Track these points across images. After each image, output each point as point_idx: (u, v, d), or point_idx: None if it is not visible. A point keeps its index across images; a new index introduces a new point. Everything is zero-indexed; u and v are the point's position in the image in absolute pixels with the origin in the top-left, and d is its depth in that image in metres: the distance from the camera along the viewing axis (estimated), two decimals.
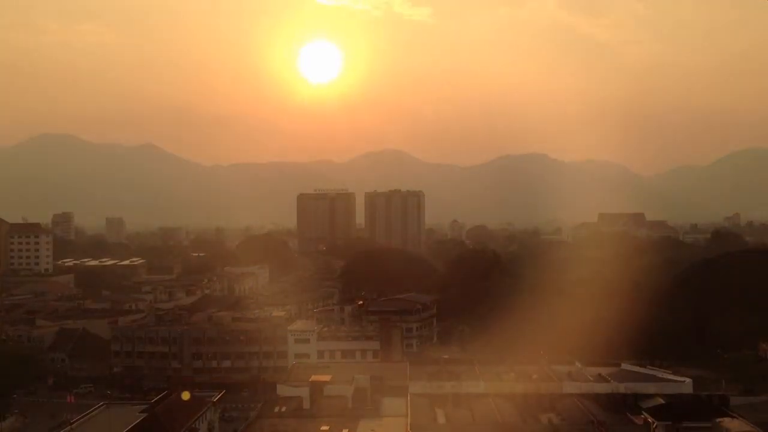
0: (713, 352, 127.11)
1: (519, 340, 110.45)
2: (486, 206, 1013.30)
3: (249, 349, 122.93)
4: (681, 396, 76.14)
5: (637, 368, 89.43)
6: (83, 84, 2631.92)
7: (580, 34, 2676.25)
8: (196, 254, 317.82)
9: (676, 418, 66.82)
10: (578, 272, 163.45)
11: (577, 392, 79.47)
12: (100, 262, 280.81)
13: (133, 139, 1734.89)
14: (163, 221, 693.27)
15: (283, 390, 75.90)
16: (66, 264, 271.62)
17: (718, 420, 68.35)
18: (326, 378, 78.26)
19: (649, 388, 79.28)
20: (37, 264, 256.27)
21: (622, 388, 79.33)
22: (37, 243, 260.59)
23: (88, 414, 74.25)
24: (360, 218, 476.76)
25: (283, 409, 70.76)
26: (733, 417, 69.60)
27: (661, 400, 73.40)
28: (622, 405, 75.56)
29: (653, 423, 67.33)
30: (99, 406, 77.91)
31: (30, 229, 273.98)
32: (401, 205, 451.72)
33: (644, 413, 70.42)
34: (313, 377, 78.29)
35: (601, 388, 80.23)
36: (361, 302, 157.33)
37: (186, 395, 75.92)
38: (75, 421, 70.90)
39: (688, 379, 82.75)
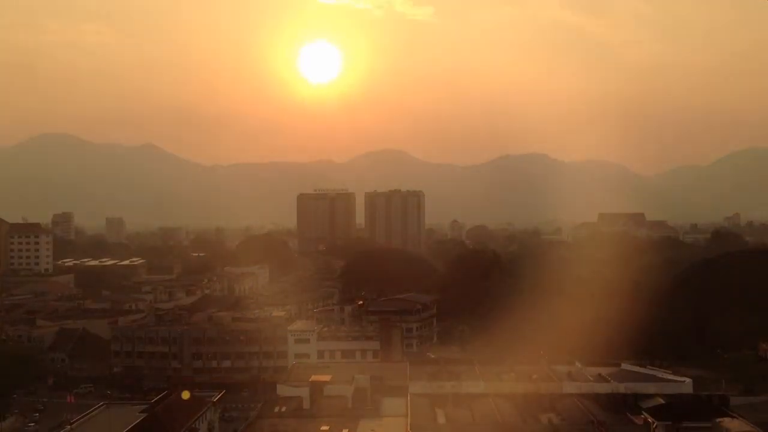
0: (713, 352, 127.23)
1: (519, 340, 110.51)
2: (486, 206, 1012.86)
3: (249, 349, 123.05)
4: (681, 396, 76.13)
5: (637, 368, 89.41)
6: (83, 84, 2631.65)
7: (581, 34, 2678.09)
8: (196, 254, 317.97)
9: (676, 418, 66.82)
10: (578, 272, 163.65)
11: (577, 392, 79.46)
12: (100, 262, 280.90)
13: (133, 139, 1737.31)
14: (163, 221, 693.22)
15: (283, 390, 75.91)
16: (66, 264, 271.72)
17: (718, 420, 68.36)
18: (326, 378, 78.26)
19: (649, 388, 79.27)
20: (37, 264, 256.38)
21: (622, 388, 79.33)
22: (37, 243, 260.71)
23: (88, 414, 74.29)
24: (360, 218, 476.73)
25: (283, 409, 70.75)
26: (733, 417, 69.60)
27: (661, 400, 73.41)
28: (622, 405, 75.55)
29: (653, 423, 67.34)
30: (99, 406, 77.98)
31: (30, 229, 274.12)
32: (401, 205, 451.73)
33: (644, 413, 70.43)
34: (313, 377, 78.30)
35: (601, 388, 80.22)
36: (361, 302, 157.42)
37: (186, 395, 75.99)
38: (75, 421, 70.92)
39: (688, 379, 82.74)
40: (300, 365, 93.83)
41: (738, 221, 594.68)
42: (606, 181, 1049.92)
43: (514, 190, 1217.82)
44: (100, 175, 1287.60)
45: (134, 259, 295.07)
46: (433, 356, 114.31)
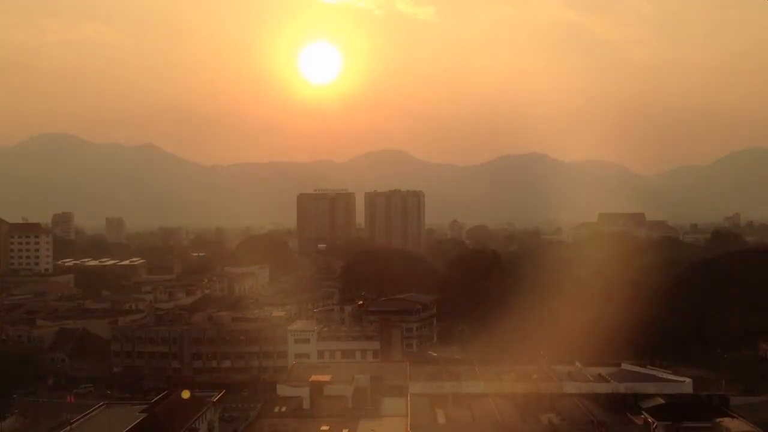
0: (713, 352, 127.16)
1: (519, 340, 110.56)
2: (486, 206, 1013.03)
3: (249, 349, 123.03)
4: (681, 396, 76.14)
5: (637, 368, 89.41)
6: (83, 84, 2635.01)
7: (581, 34, 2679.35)
8: (196, 254, 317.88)
9: (676, 418, 66.82)
10: (578, 272, 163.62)
11: (577, 392, 79.47)
12: (100, 262, 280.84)
13: (133, 139, 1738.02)
14: (163, 221, 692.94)
15: (283, 390, 75.91)
16: (66, 264, 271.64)
17: (718, 420, 68.36)
18: (326, 378, 78.26)
19: (649, 388, 79.29)
20: (37, 264, 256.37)
21: (622, 388, 79.36)
22: (37, 243, 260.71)
23: (88, 414, 74.26)
24: (360, 218, 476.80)
25: (283, 409, 70.75)
26: (733, 417, 69.60)
27: (661, 400, 73.42)
28: (622, 405, 75.58)
29: (653, 423, 67.34)
30: (99, 406, 77.94)
31: (30, 229, 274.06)
32: (401, 205, 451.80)
33: (644, 413, 70.43)
34: (313, 377, 78.29)
35: (601, 388, 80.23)
36: (361, 302, 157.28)
37: (186, 394, 75.97)
38: (75, 421, 70.88)
39: (688, 379, 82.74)
40: (300, 365, 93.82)
41: (738, 221, 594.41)
42: (606, 181, 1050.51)
43: (514, 190, 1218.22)
44: (100, 175, 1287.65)
45: (134, 259, 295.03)
46: (435, 355, 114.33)
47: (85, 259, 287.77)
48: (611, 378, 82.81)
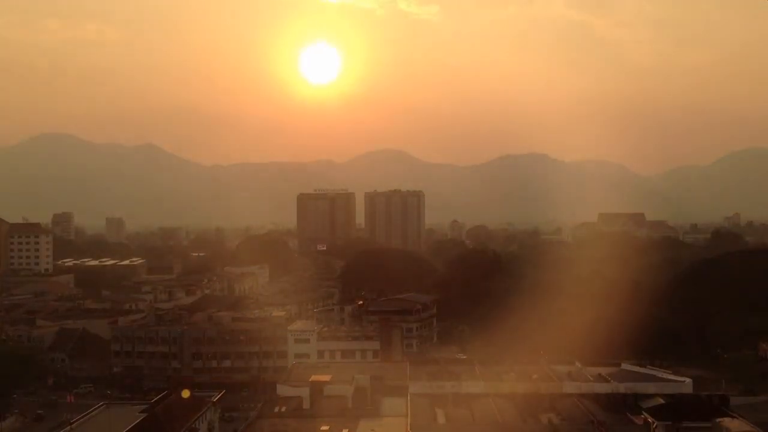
0: (713, 352, 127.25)
1: (519, 340, 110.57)
2: (486, 206, 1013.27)
3: (249, 349, 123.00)
4: (681, 396, 76.18)
5: (637, 368, 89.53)
6: (83, 84, 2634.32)
7: (582, 33, 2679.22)
8: (196, 254, 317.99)
9: (676, 418, 66.87)
10: (578, 272, 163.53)
11: (577, 392, 79.53)
12: (100, 262, 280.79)
13: (133, 139, 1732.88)
14: (163, 221, 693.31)
15: (283, 390, 75.92)
16: (66, 264, 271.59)
17: (718, 420, 68.42)
18: (326, 378, 78.25)
19: (649, 388, 79.34)
20: (37, 264, 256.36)
21: (622, 388, 79.42)
22: (37, 243, 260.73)
23: (88, 414, 74.25)
24: (360, 218, 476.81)
25: (283, 409, 70.76)
26: (733, 417, 69.64)
27: (661, 400, 73.46)
28: (622, 405, 75.65)
29: (653, 423, 67.38)
30: (99, 406, 77.90)
31: (30, 229, 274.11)
32: (401, 205, 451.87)
33: (644, 413, 70.48)
34: (313, 377, 78.29)
35: (601, 388, 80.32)
36: (361, 302, 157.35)
37: (186, 393, 75.95)
38: (75, 421, 70.86)
39: (688, 379, 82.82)
40: (300, 365, 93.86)
41: (738, 221, 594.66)
42: (606, 181, 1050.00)
43: (514, 190, 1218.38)
44: (100, 175, 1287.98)
45: (134, 259, 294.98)
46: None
47: (85, 259, 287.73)
48: (611, 378, 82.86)
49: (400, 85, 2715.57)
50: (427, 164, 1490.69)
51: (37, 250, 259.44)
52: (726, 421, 68.19)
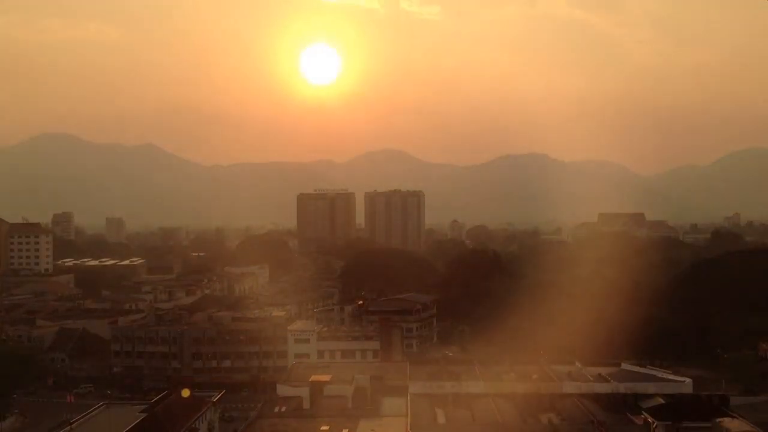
0: (713, 352, 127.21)
1: (519, 340, 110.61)
2: (486, 206, 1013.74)
3: (249, 349, 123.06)
4: (681, 396, 76.19)
5: (637, 368, 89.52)
6: (83, 84, 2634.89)
7: (584, 32, 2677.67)
8: (196, 254, 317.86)
9: (676, 418, 66.87)
10: (578, 272, 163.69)
11: (577, 392, 79.53)
12: (100, 262, 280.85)
13: (133, 139, 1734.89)
14: (163, 221, 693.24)
15: (283, 390, 75.91)
16: (66, 264, 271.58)
17: (718, 420, 68.42)
18: (326, 378, 78.24)
19: (649, 388, 79.34)
20: (37, 264, 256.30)
21: (622, 388, 79.42)
22: (37, 243, 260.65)
23: (88, 414, 74.24)
24: (360, 218, 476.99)
25: (283, 409, 70.75)
26: (733, 417, 69.64)
27: (661, 400, 73.47)
28: (622, 405, 75.64)
29: (653, 423, 67.38)
30: (99, 406, 77.91)
31: (30, 229, 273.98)
32: (401, 205, 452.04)
33: (644, 413, 70.48)
34: (313, 377, 78.29)
35: (601, 388, 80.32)
36: (361, 302, 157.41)
37: (186, 392, 75.97)
38: (75, 421, 70.86)
39: (688, 379, 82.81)
40: (300, 365, 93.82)
41: (738, 221, 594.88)
42: (606, 181, 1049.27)
43: (514, 190, 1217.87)
44: (100, 175, 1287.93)
45: (134, 259, 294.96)
46: (450, 354, 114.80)
47: (85, 259, 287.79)
48: (611, 378, 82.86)
49: (400, 85, 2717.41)
50: (427, 164, 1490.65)
51: (37, 250, 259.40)
52: (726, 421, 68.19)
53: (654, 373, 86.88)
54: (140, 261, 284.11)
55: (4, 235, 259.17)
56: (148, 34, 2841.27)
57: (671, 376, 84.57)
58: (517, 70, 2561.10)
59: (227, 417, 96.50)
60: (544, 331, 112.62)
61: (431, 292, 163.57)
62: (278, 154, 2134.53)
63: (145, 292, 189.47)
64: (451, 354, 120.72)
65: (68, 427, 68.69)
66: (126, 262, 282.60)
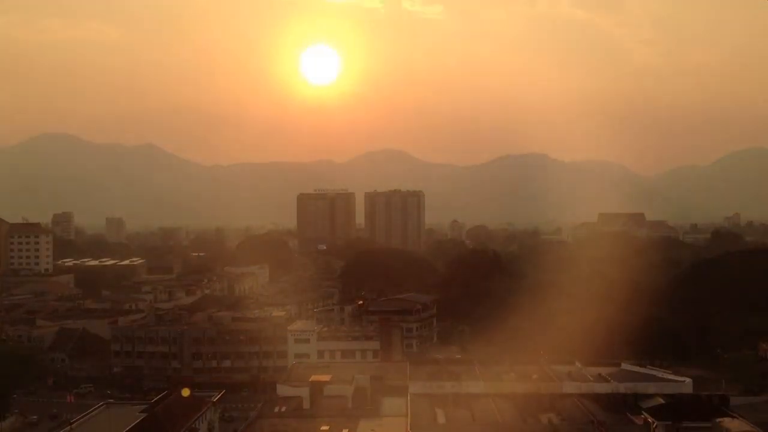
0: (713, 352, 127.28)
1: (519, 340, 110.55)
2: (486, 206, 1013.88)
3: (249, 349, 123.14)
4: (681, 396, 76.16)
5: (637, 368, 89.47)
6: (84, 84, 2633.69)
7: (583, 33, 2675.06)
8: (196, 254, 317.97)
9: (676, 418, 66.84)
10: (578, 272, 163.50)
11: (577, 392, 79.50)
12: (100, 262, 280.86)
13: (133, 139, 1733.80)
14: (163, 221, 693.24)
15: (283, 390, 75.94)
16: (66, 264, 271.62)
17: (718, 420, 68.40)
18: (326, 378, 78.29)
19: (649, 388, 79.31)
20: (37, 264, 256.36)
21: (622, 388, 79.40)
22: (37, 243, 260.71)
23: (88, 414, 74.25)
24: (360, 218, 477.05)
25: (283, 409, 70.78)
26: (733, 417, 69.62)
27: (661, 400, 73.45)
28: (622, 405, 75.61)
29: (653, 423, 67.36)
30: (99, 406, 77.91)
31: (30, 229, 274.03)
32: (401, 205, 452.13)
33: (644, 413, 70.45)
34: (313, 377, 78.33)
35: (601, 388, 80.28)
36: (361, 302, 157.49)
37: (186, 392, 75.97)
38: (75, 421, 70.86)
39: (688, 379, 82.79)
40: (300, 365, 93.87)
41: (738, 221, 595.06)
42: (606, 181, 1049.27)
43: (514, 190, 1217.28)
44: (100, 175, 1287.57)
45: (134, 259, 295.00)
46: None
47: (85, 259, 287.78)
48: (611, 378, 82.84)
49: (400, 85, 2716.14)
50: (427, 164, 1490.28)
51: (37, 250, 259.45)
52: (726, 421, 68.17)
53: (654, 373, 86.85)
54: (140, 261, 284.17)
55: (4, 235, 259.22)
56: (148, 34, 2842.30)
57: (671, 376, 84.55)
58: (517, 70, 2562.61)
59: (227, 417, 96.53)
60: (544, 331, 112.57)
61: (431, 292, 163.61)
62: (278, 154, 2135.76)
63: (145, 292, 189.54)
64: (458, 356, 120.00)
65: (68, 427, 68.71)
66: (126, 262, 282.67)
